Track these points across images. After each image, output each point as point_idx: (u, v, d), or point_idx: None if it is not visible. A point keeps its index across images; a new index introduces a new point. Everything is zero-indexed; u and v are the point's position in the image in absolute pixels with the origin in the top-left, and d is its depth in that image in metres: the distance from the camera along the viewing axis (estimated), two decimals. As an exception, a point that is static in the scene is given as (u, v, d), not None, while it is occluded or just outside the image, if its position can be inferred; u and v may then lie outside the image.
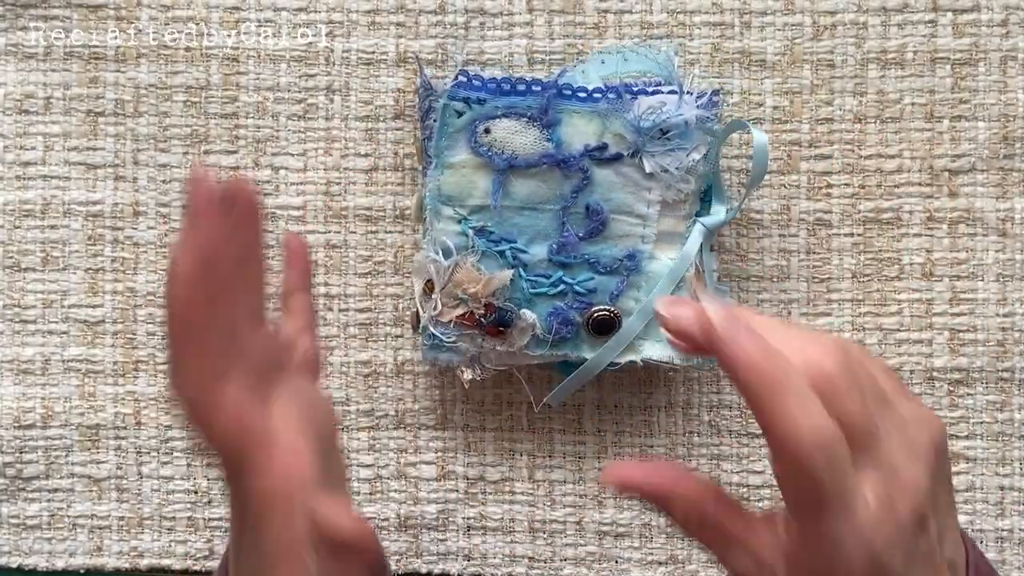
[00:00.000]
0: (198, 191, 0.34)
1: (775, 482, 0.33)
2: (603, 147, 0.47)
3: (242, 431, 0.35)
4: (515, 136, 0.47)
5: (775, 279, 0.53)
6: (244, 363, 0.35)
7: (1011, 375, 0.52)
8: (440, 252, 0.48)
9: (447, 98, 0.47)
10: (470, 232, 0.47)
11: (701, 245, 0.49)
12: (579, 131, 0.47)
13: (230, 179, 0.37)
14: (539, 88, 0.47)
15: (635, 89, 0.47)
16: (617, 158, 0.47)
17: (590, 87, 0.47)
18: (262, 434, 0.35)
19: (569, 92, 0.47)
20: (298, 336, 0.42)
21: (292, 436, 0.36)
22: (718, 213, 0.50)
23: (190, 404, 0.35)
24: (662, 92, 0.47)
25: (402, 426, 0.54)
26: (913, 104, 0.52)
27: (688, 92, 0.47)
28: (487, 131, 0.47)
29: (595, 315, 0.48)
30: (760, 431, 0.54)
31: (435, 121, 0.47)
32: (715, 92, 0.48)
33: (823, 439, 0.30)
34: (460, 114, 0.47)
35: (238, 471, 0.35)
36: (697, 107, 0.47)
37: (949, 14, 0.52)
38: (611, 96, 0.47)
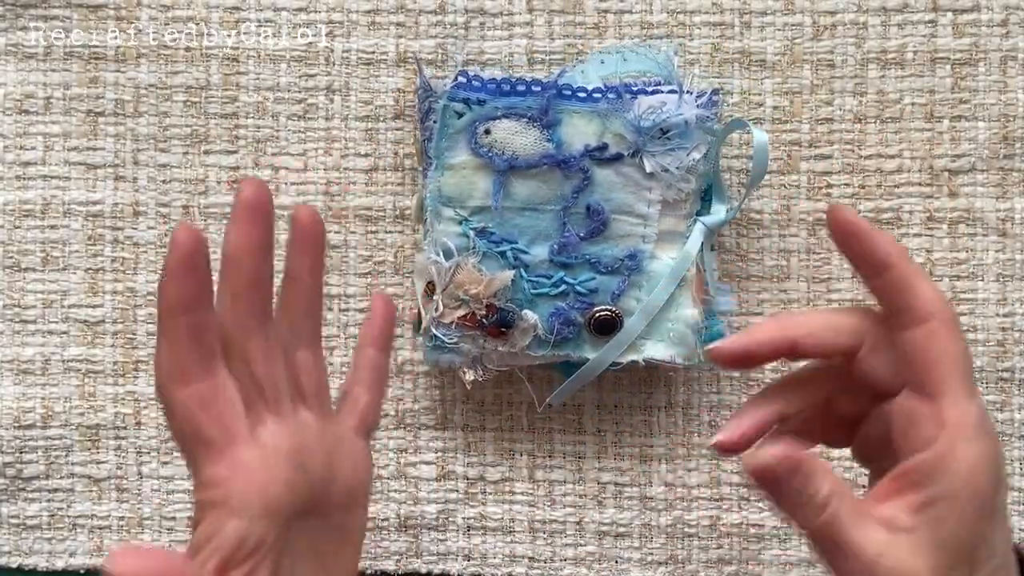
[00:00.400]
0: (251, 188, 0.34)
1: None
2: (603, 147, 0.47)
3: (195, 432, 0.34)
4: (515, 137, 0.47)
5: (775, 279, 0.53)
6: (235, 373, 0.35)
7: (1011, 375, 0.52)
8: (441, 253, 0.48)
9: (447, 99, 0.47)
10: (471, 233, 0.47)
11: (702, 244, 0.49)
12: (579, 131, 0.47)
13: (298, 207, 0.38)
14: (539, 88, 0.47)
15: (635, 89, 0.47)
16: (617, 158, 0.47)
17: (590, 87, 0.47)
18: (216, 441, 0.34)
19: (569, 92, 0.47)
20: (353, 387, 0.41)
21: (263, 458, 0.34)
22: (718, 212, 0.50)
23: (158, 393, 0.34)
24: (662, 92, 0.47)
25: (402, 426, 0.54)
26: (913, 104, 0.52)
27: (688, 92, 0.47)
28: (487, 132, 0.47)
29: (597, 315, 0.48)
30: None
31: (435, 122, 0.47)
32: (715, 91, 0.48)
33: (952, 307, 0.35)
34: (460, 115, 0.47)
35: (193, 472, 0.34)
36: (697, 107, 0.47)
37: (949, 14, 0.52)
38: (611, 96, 0.47)
